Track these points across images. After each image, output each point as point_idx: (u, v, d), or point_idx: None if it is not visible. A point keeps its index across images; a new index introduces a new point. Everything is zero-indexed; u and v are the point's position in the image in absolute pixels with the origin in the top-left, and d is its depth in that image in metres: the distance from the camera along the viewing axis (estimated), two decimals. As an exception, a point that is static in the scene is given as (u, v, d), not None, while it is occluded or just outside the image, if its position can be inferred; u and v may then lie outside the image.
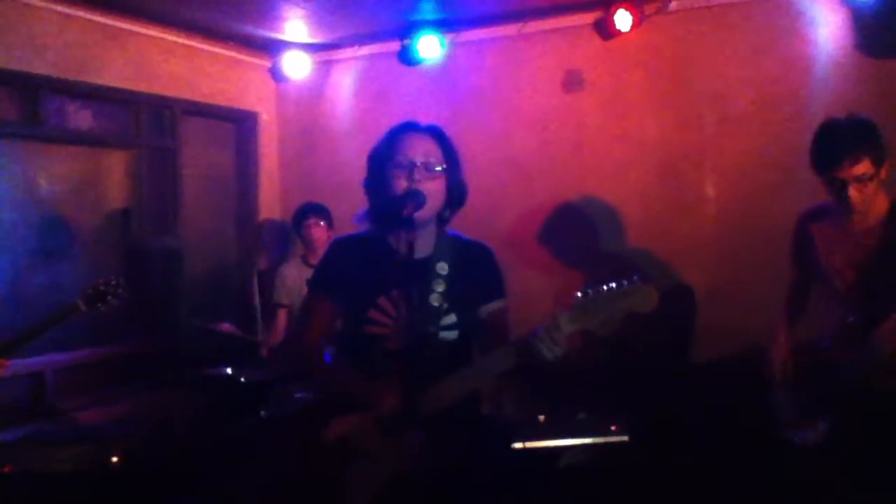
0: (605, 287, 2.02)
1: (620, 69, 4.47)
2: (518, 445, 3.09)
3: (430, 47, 4.76)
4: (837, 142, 2.72)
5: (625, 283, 2.02)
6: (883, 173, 2.71)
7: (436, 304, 2.27)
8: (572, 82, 4.57)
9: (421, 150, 2.26)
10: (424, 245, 2.32)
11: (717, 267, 4.17)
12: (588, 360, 3.36)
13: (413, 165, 2.23)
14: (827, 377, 2.85)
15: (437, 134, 2.33)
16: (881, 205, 2.81)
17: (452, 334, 2.30)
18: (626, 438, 3.14)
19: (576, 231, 4.55)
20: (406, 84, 5.02)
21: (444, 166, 2.28)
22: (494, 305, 2.38)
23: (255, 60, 5.34)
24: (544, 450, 3.14)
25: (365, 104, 5.17)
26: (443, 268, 2.31)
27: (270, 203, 5.45)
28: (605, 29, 4.41)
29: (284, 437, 2.46)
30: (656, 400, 3.67)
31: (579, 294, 2.04)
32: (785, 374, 3.01)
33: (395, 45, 4.98)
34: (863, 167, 2.67)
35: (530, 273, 4.50)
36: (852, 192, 2.70)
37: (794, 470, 2.86)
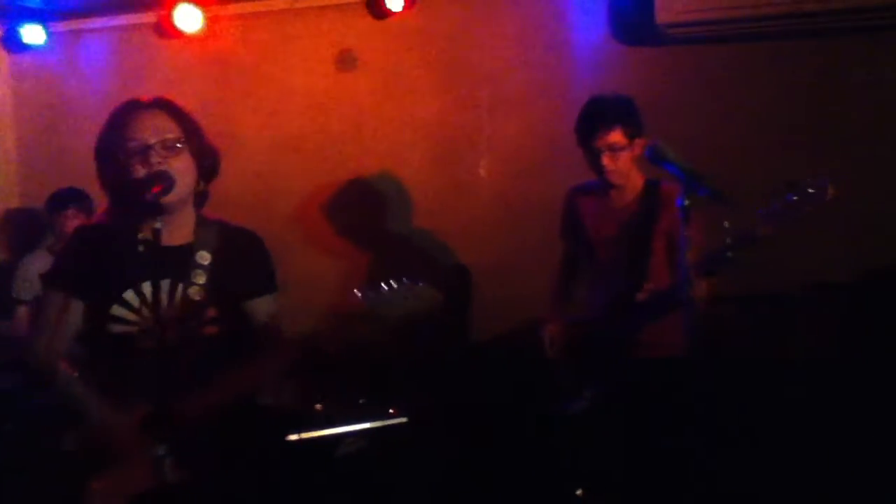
0: (385, 288, 1.92)
1: (395, 49, 4.42)
2: (293, 437, 2.93)
3: (189, 19, 4.41)
4: (594, 113, 2.92)
5: (405, 281, 1.93)
6: (637, 149, 2.88)
7: (196, 297, 2.03)
8: (346, 61, 4.45)
9: (153, 128, 1.98)
10: (182, 231, 2.08)
11: (493, 245, 4.23)
12: (368, 345, 3.27)
13: (148, 147, 1.96)
14: (592, 348, 2.97)
15: (166, 106, 2.05)
16: (637, 182, 2.99)
17: (215, 330, 2.07)
18: (404, 420, 3.08)
19: (357, 212, 4.45)
20: (167, 59, 4.65)
21: (185, 139, 2.02)
22: (264, 301, 2.16)
23: (-16, 28, 4.72)
24: (322, 439, 3.00)
25: (120, 80, 4.72)
26: (204, 257, 2.06)
27: (7, 188, 4.83)
28: (376, 8, 4.33)
29: (24, 450, 2.15)
30: (436, 379, 3.66)
31: (359, 294, 1.92)
32: (556, 347, 3.11)
33: (151, 17, 4.59)
34: (614, 136, 2.86)
35: (313, 255, 4.37)
36: (605, 160, 2.88)
37: (565, 437, 2.95)
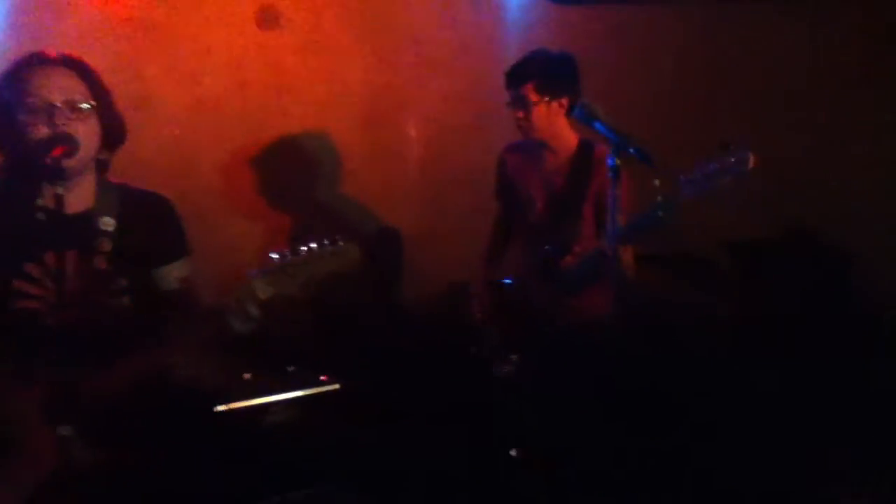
0: (304, 248, 1.86)
1: (319, 7, 4.26)
2: (221, 408, 2.85)
3: (93, -27, 4.17)
4: (513, 65, 2.91)
5: (326, 243, 1.87)
6: (556, 107, 2.86)
7: (101, 266, 1.93)
8: (267, 19, 4.28)
9: (58, 87, 1.86)
10: (82, 197, 1.97)
11: (421, 208, 4.19)
12: (291, 314, 3.20)
13: (52, 107, 1.84)
14: (520, 312, 2.97)
15: (75, 65, 1.93)
16: (570, 142, 2.96)
17: (124, 301, 1.98)
18: (337, 387, 3.04)
19: (280, 175, 4.30)
20: (74, 16, 4.36)
21: (93, 103, 1.91)
22: (175, 266, 2.08)
23: None
24: (251, 409, 2.93)
25: (22, 38, 4.41)
26: (107, 223, 1.96)
27: None
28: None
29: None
30: (364, 344, 3.62)
31: (275, 256, 1.86)
32: (484, 311, 3.10)
33: (53, -29, 4.32)
34: (524, 91, 2.86)
35: (234, 220, 4.19)
36: (518, 113, 2.88)
37: (495, 401, 2.95)
